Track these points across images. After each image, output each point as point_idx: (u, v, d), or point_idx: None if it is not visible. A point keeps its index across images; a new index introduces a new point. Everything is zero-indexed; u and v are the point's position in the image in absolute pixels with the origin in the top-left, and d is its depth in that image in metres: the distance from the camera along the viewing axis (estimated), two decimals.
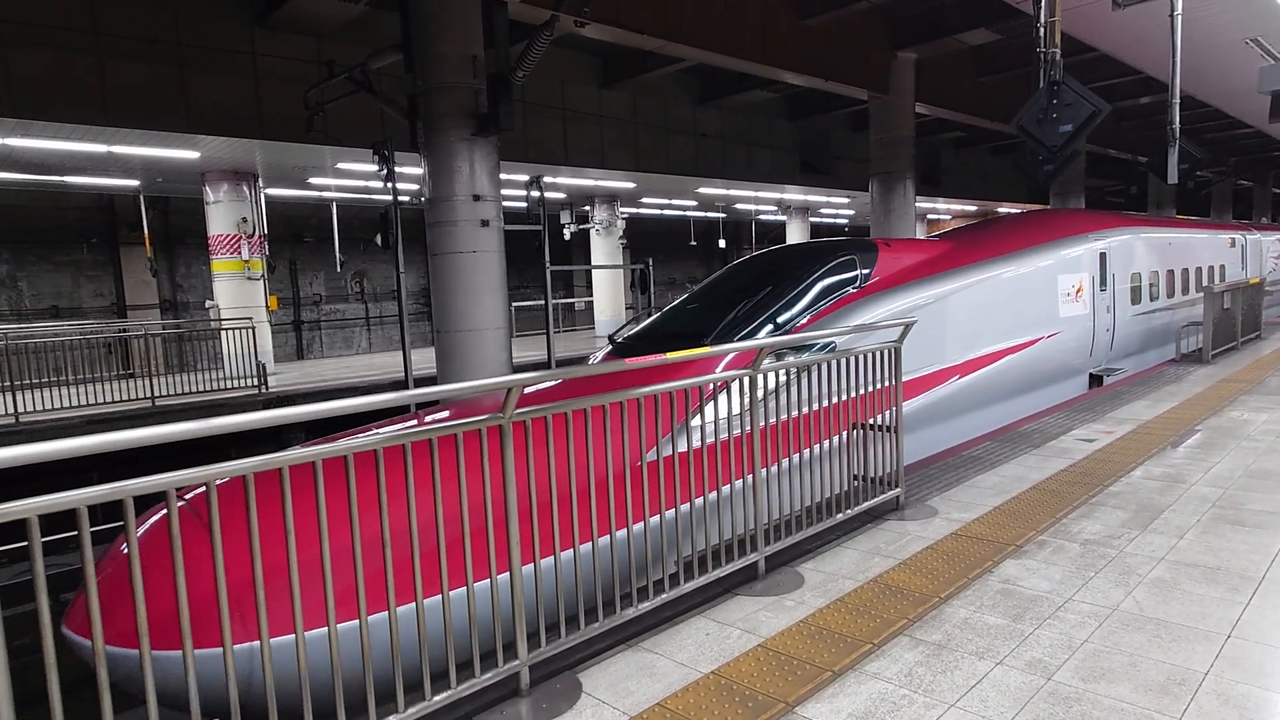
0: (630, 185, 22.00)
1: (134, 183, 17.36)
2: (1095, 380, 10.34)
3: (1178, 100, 9.45)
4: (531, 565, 3.17)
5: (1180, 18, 8.92)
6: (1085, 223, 10.71)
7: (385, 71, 11.92)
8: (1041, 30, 7.17)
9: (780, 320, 6.69)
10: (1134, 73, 17.00)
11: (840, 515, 4.64)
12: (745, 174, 21.77)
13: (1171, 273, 13.09)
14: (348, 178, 17.64)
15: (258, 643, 2.42)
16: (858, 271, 7.41)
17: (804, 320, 6.70)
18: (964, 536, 4.59)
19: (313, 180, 18.26)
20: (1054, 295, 9.32)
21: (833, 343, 5.91)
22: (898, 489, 5.09)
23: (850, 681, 3.07)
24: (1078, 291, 9.67)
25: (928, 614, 3.62)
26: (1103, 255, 10.34)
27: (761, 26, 14.15)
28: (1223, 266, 16.13)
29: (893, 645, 3.35)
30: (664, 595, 3.60)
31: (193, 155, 14.31)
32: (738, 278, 7.73)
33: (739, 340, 6.35)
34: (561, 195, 23.36)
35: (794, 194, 26.67)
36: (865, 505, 4.82)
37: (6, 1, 10.50)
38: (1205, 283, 14.54)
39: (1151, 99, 20.20)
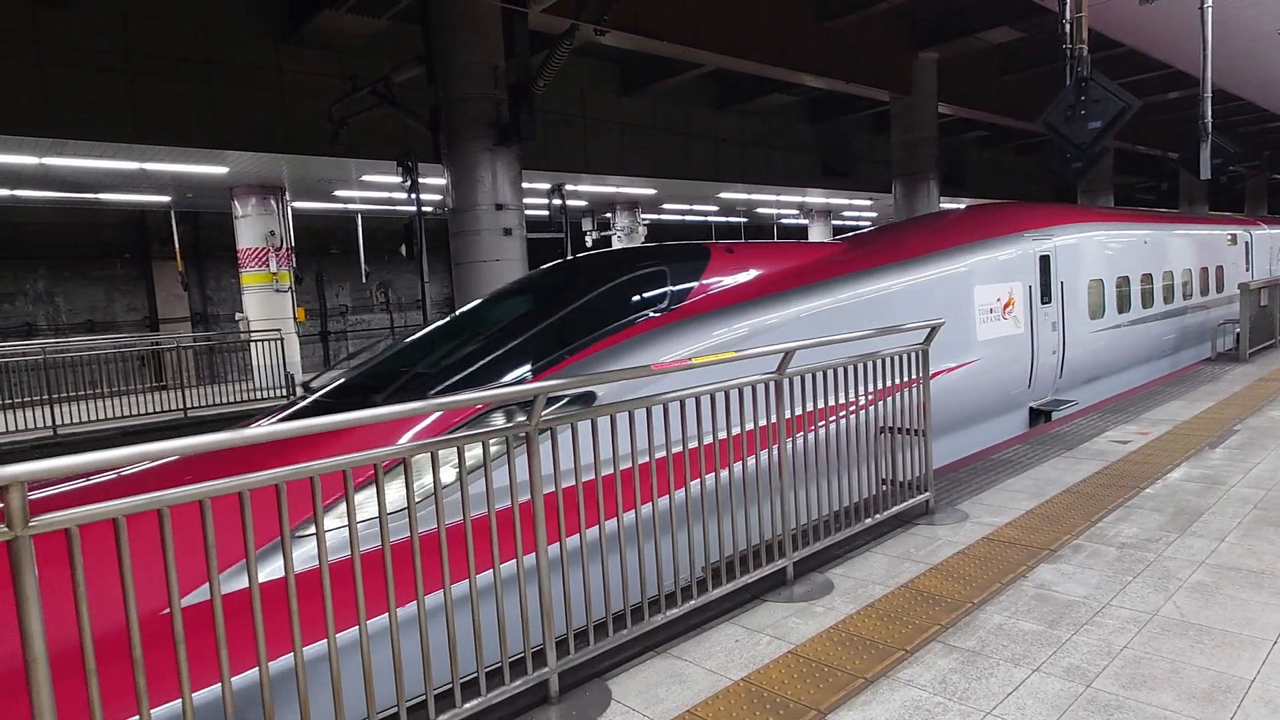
0: (651, 192, 22.03)
1: (165, 199, 17.74)
2: (1039, 416, 8.51)
3: (1209, 94, 9.28)
4: (559, 572, 3.17)
5: (1210, 10, 8.76)
6: (1019, 219, 8.78)
7: (408, 84, 12.08)
8: (1067, 26, 7.08)
9: (521, 360, 5.08)
10: (1163, 67, 16.71)
11: (869, 520, 4.58)
12: (766, 178, 21.71)
13: (1149, 278, 11.11)
14: (372, 189, 17.87)
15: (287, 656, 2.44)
16: (667, 289, 5.82)
17: (563, 358, 5.04)
18: (996, 541, 4.51)
19: (338, 193, 18.53)
20: (967, 312, 7.52)
21: (591, 393, 4.51)
22: (927, 493, 5.02)
23: (883, 689, 3.03)
24: (1006, 306, 7.89)
25: (961, 620, 3.56)
26: (1044, 259, 8.58)
27: (780, 30, 14.12)
28: (1220, 268, 14.04)
29: (925, 652, 3.30)
30: (692, 602, 3.58)
31: (221, 171, 14.59)
32: (503, 300, 6.20)
33: (459, 389, 4.78)
34: (583, 203, 23.45)
35: (816, 197, 26.54)
36: (894, 510, 4.76)
37: (44, 26, 10.80)
38: (1198, 288, 12.87)
39: (1182, 93, 19.84)
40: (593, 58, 16.71)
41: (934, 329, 4.96)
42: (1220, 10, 9.45)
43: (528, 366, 5.02)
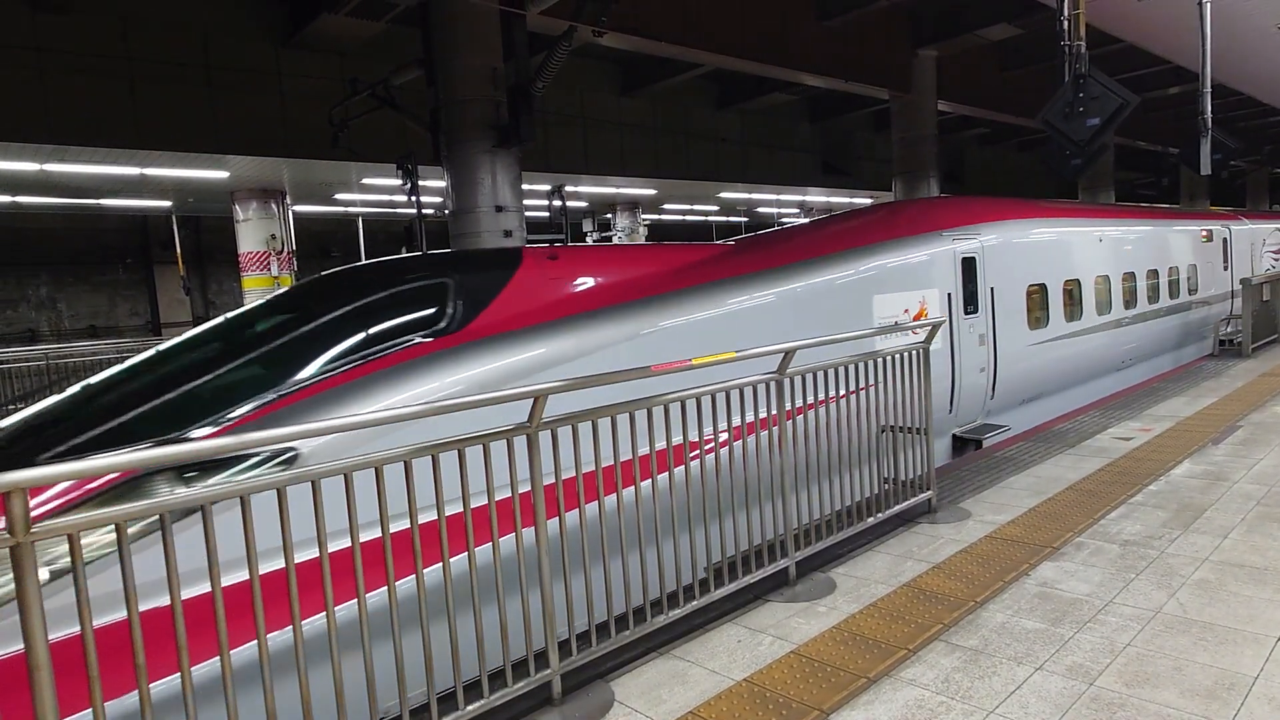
0: (652, 192, 22.04)
1: (166, 204, 17.78)
2: (965, 444, 7.53)
3: (1209, 89, 9.26)
4: (561, 574, 3.17)
5: (1209, 5, 8.74)
6: (935, 216, 7.76)
7: (407, 87, 12.09)
8: (1065, 23, 7.07)
9: (201, 406, 3.86)
10: (1162, 63, 16.68)
11: (871, 519, 4.58)
12: (766, 177, 21.72)
13: (1105, 281, 9.95)
14: (372, 192, 17.90)
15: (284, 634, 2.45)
16: (449, 306, 4.67)
17: (268, 404, 3.81)
18: (999, 539, 4.51)
19: (339, 196, 18.56)
20: (862, 326, 6.26)
21: (292, 450, 3.52)
22: (929, 492, 5.02)
23: (886, 688, 3.03)
24: (917, 318, 6.96)
25: (963, 619, 3.56)
26: (968, 261, 7.57)
27: (780, 29, 14.12)
28: (1193, 266, 12.76)
29: (928, 651, 3.29)
30: (694, 602, 3.58)
31: (222, 175, 14.62)
32: (226, 326, 4.83)
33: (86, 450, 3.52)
34: (584, 204, 23.46)
35: (816, 196, 26.54)
36: (896, 508, 4.76)
37: (44, 32, 10.83)
38: (1167, 290, 11.67)
39: (1181, 89, 19.81)
40: (592, 58, 16.72)
41: (935, 327, 4.95)
42: (1219, 5, 9.45)
43: (214, 415, 3.72)
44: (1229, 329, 14.12)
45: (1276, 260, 17.28)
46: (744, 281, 5.98)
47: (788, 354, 3.97)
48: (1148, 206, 14.25)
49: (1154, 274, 11.43)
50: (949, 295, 7.36)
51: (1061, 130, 7.08)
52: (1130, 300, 10.63)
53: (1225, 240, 14.27)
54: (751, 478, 3.92)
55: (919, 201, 9.03)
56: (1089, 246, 9.87)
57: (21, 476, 1.89)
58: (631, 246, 7.69)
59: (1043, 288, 8.67)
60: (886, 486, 4.76)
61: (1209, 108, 9.19)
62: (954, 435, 7.57)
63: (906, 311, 6.91)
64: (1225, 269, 14.28)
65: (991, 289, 7.81)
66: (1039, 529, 4.61)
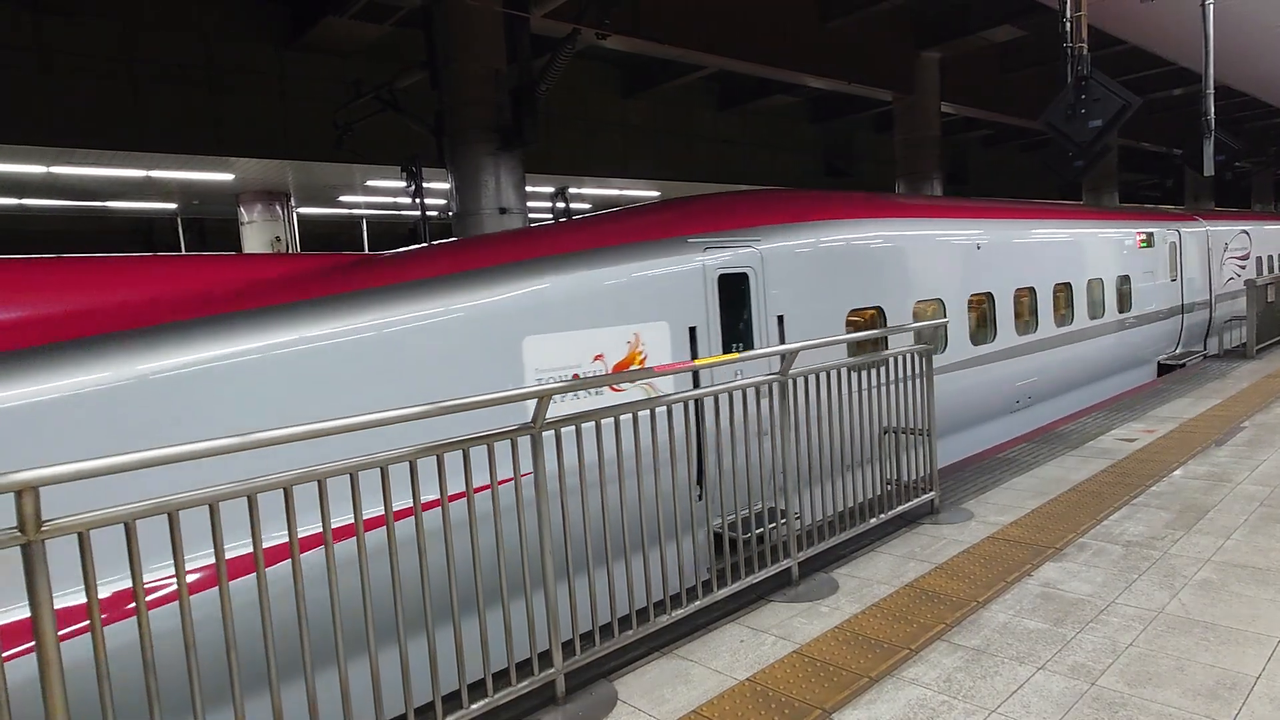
0: (655, 194, 22.07)
1: (172, 206, 17.85)
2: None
3: (1212, 90, 9.26)
4: (565, 573, 3.19)
5: (1212, 6, 8.75)
6: (681, 218, 5.90)
7: (411, 89, 12.14)
8: (1068, 25, 7.08)
9: None
10: (1165, 64, 16.67)
11: (874, 520, 4.59)
12: (769, 178, 21.73)
13: (986, 300, 8.09)
14: (377, 194, 17.95)
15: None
16: None
17: None
18: (1001, 539, 4.52)
19: (343, 198, 18.62)
20: (499, 380, 4.54)
21: None
22: (932, 493, 5.02)
23: (888, 688, 3.04)
24: (623, 366, 5.04)
25: (966, 619, 3.57)
26: (733, 280, 5.70)
27: (782, 31, 14.14)
28: (1124, 278, 10.75)
29: (930, 651, 3.30)
30: (697, 602, 3.59)
31: (227, 177, 14.68)
32: None
33: None
34: (587, 205, 23.51)
35: None
36: (899, 509, 4.77)
37: (49, 36, 10.90)
38: (1085, 309, 9.72)
39: (1185, 90, 19.79)
40: (595, 60, 16.76)
41: (940, 327, 4.95)
42: (1222, 6, 9.45)
43: None
44: (1176, 349, 12.41)
45: (1242, 268, 14.71)
46: (307, 312, 4.04)
47: (789, 355, 3.99)
48: (1058, 204, 11.52)
49: (1064, 289, 9.47)
50: (691, 329, 5.35)
51: (1063, 132, 7.09)
52: (1027, 324, 8.71)
53: (1174, 245, 12.15)
54: (755, 478, 3.93)
55: (671, 202, 6.48)
56: (961, 256, 7.97)
57: (31, 475, 1.91)
58: (179, 258, 5.44)
59: (880, 313, 6.74)
60: (889, 487, 4.78)
61: (1212, 109, 9.18)
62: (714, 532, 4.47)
63: (600, 359, 4.89)
64: (1173, 279, 12.17)
65: (779, 318, 5.86)
66: (1042, 530, 4.62)
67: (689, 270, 5.46)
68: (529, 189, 11.01)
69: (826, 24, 14.64)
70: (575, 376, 4.73)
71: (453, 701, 2.80)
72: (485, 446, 2.89)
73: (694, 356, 5.36)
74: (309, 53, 13.10)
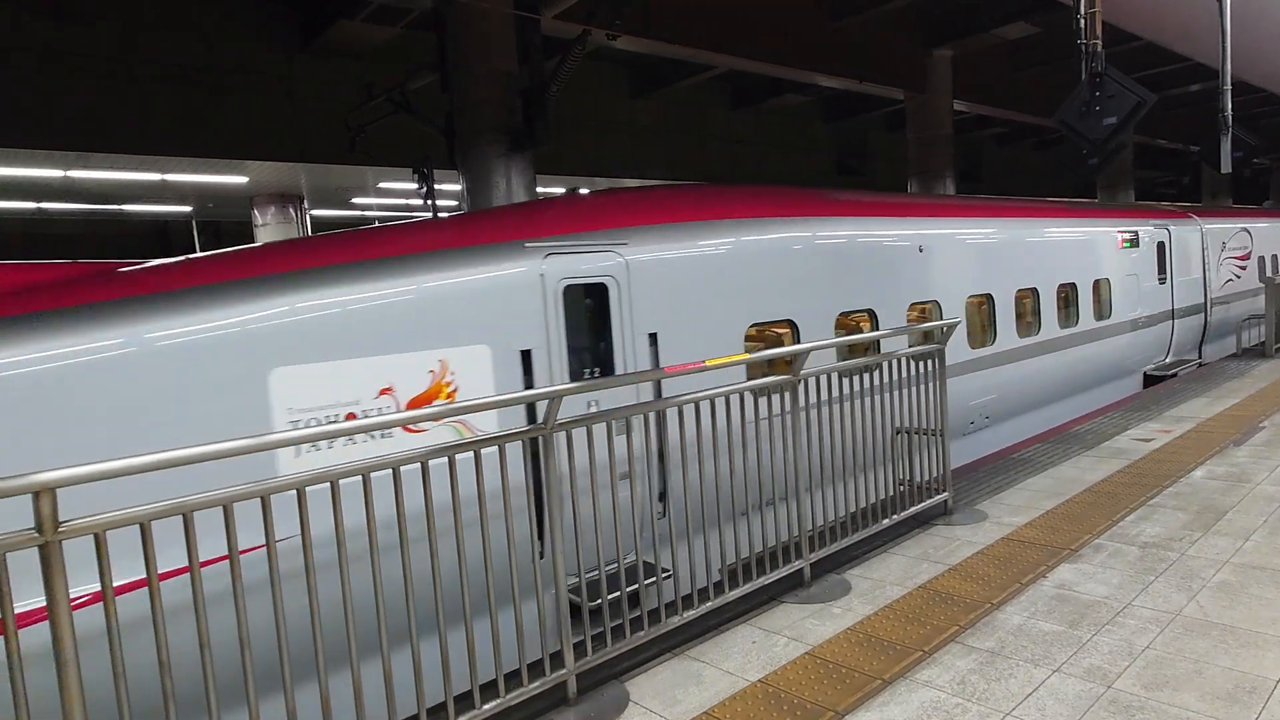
0: None
1: (187, 208, 18.03)
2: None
3: (1229, 86, 9.15)
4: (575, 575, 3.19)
5: (1229, 0, 8.65)
6: (519, 219, 5.25)
7: (423, 91, 12.19)
8: (1082, 21, 7.02)
9: None
10: (1181, 60, 16.49)
11: (886, 520, 4.57)
12: (782, 178, 21.67)
13: (935, 310, 7.29)
14: (389, 196, 18.05)
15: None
16: None
17: None
18: (1016, 541, 4.48)
19: (356, 200, 18.73)
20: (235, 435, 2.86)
21: None
22: (945, 493, 4.99)
23: (901, 690, 3.02)
24: (418, 403, 4.20)
25: (979, 620, 3.54)
26: (589, 292, 4.89)
27: (793, 30, 14.10)
28: (1103, 282, 9.76)
29: (944, 653, 3.28)
30: (709, 603, 3.59)
31: (241, 180, 14.81)
32: None
33: None
34: None
35: None
36: (912, 510, 4.74)
37: (63, 41, 11.02)
38: (1054, 317, 8.84)
39: (1201, 86, 19.57)
40: (605, 61, 16.77)
41: (952, 326, 4.93)
42: (1239, 0, 9.33)
43: None
44: (1166, 358, 11.44)
45: (1242, 269, 13.65)
46: None
47: (800, 355, 3.98)
48: (1026, 201, 10.39)
49: (1029, 295, 8.51)
50: (525, 353, 4.51)
51: (1078, 129, 7.02)
52: (984, 335, 7.91)
53: (1162, 245, 11.16)
54: (766, 480, 3.92)
55: (525, 203, 5.77)
56: (900, 260, 7.06)
57: (49, 477, 1.93)
58: None
59: (793, 329, 5.98)
60: (902, 488, 4.75)
61: (1229, 105, 9.07)
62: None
63: (388, 393, 4.04)
64: (1162, 281, 11.18)
65: (652, 336, 5.01)
66: (1057, 531, 4.58)
67: (521, 281, 4.55)
68: (540, 190, 11.02)
69: (837, 22, 14.58)
70: (351, 416, 3.90)
71: (465, 701, 2.81)
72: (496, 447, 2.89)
73: (530, 385, 4.48)
74: (321, 56, 13.18)
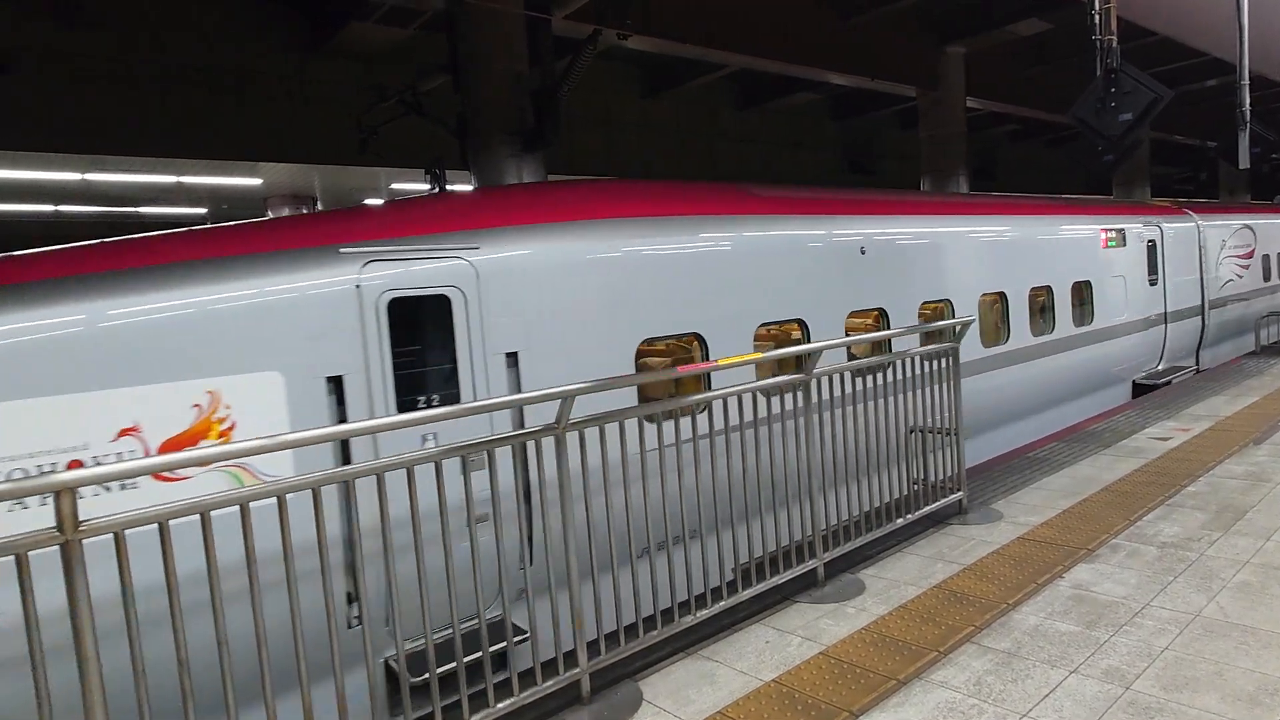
0: None
1: (202, 210, 18.20)
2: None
3: (1246, 81, 9.04)
4: (589, 573, 3.19)
5: None
6: (334, 223, 4.64)
7: (434, 92, 12.23)
8: (1096, 17, 6.95)
9: None
10: (1198, 55, 16.31)
11: (900, 520, 4.55)
12: (791, 177, 21.59)
13: (881, 319, 6.64)
14: (401, 197, 18.12)
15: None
16: None
17: None
18: (1031, 540, 4.45)
19: (368, 201, 18.83)
20: None
21: None
22: (960, 493, 4.96)
23: (916, 690, 3.01)
24: (171, 447, 3.43)
25: (995, 621, 3.52)
26: (427, 305, 4.27)
27: (803, 28, 14.05)
28: (1083, 285, 9.10)
29: (959, 653, 3.26)
30: (722, 603, 3.58)
31: (255, 182, 14.93)
32: None
33: None
34: None
35: None
36: (926, 509, 4.72)
37: (81, 45, 11.14)
38: (1027, 324, 8.17)
39: (1219, 81, 19.32)
40: (615, 61, 16.76)
41: (965, 325, 4.90)
42: None
43: None
44: (1158, 365, 10.74)
45: (1244, 268, 12.83)
46: None
47: (812, 355, 3.96)
48: (999, 197, 9.70)
49: (996, 300, 7.89)
50: (335, 380, 3.89)
51: (1093, 126, 6.96)
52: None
53: (1152, 244, 10.43)
54: (779, 479, 3.91)
55: (360, 207, 5.31)
56: (837, 264, 6.33)
57: (69, 477, 1.96)
58: None
59: (700, 344, 5.34)
60: (916, 487, 4.73)
61: (1247, 100, 8.97)
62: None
63: (132, 433, 3.36)
64: (1154, 283, 10.46)
65: (512, 355, 4.42)
66: (1073, 530, 4.54)
67: (329, 293, 3.89)
68: None
69: (848, 20, 14.52)
70: (75, 464, 3.21)
71: (479, 700, 2.82)
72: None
73: (342, 417, 3.87)
74: (332, 58, 13.25)
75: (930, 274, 7.24)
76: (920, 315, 6.99)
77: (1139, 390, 10.09)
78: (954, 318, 7.07)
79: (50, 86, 10.95)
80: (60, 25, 10.95)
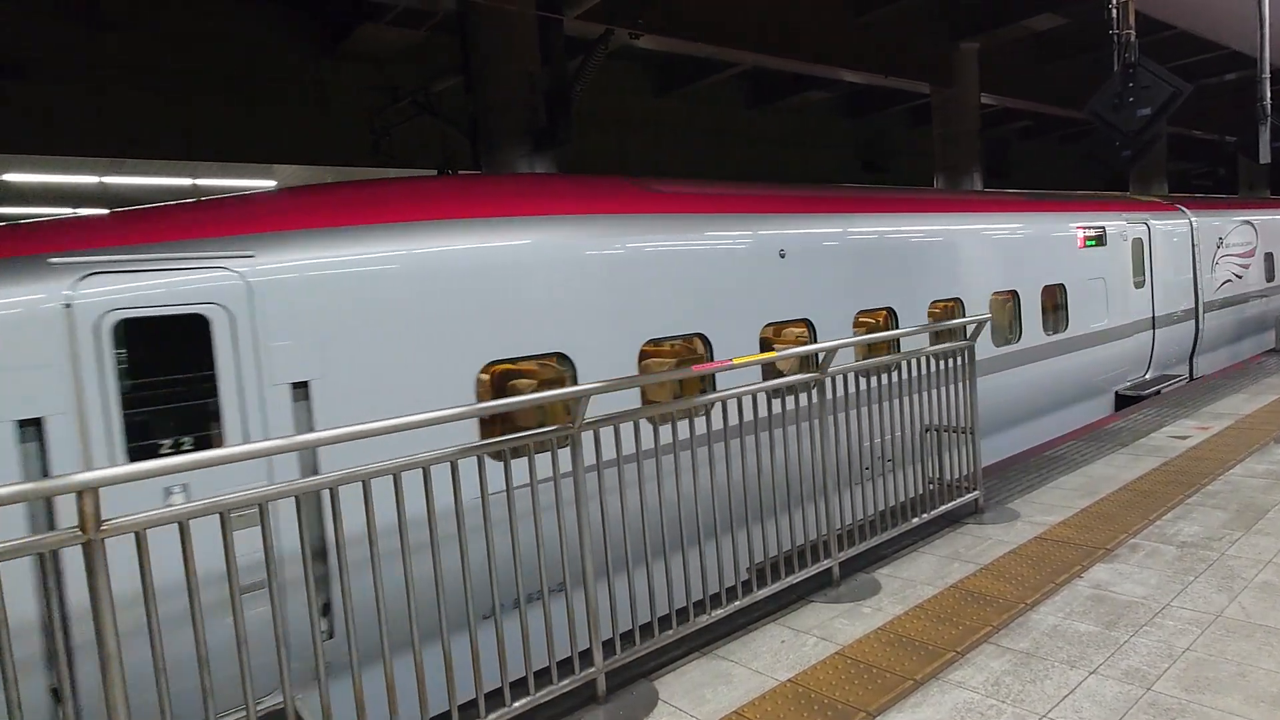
0: None
1: None
2: None
3: (1267, 75, 8.92)
4: (605, 573, 3.20)
5: None
6: (39, 231, 3.75)
7: (446, 93, 12.28)
8: (1114, 11, 6.88)
9: None
10: (1217, 48, 16.12)
11: (916, 519, 4.52)
12: (802, 175, 21.51)
13: (808, 331, 5.83)
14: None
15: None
16: None
17: None
18: (1049, 540, 4.41)
19: None
20: None
21: None
22: (976, 492, 4.93)
23: (933, 691, 2.99)
24: None
25: (1013, 621, 3.49)
26: (200, 324, 3.53)
27: (816, 26, 13.99)
28: (1057, 289, 8.34)
29: (977, 653, 3.24)
30: (737, 602, 3.57)
31: (270, 184, 15.03)
32: None
33: None
34: None
35: None
36: (942, 509, 4.69)
37: (99, 49, 11.26)
38: (993, 333, 7.35)
39: (1238, 75, 19.08)
40: (627, 60, 16.76)
41: (980, 324, 4.87)
42: None
43: None
44: (1146, 374, 9.99)
45: (1244, 267, 11.96)
46: None
47: (828, 353, 3.95)
48: (955, 193, 8.20)
49: (950, 307, 7.07)
50: (31, 422, 3.16)
51: (1110, 121, 6.89)
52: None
53: (1139, 242, 9.72)
54: (794, 478, 3.90)
55: (100, 213, 4.40)
56: (749, 270, 5.47)
57: (92, 477, 1.98)
58: None
59: (569, 365, 4.58)
60: (932, 487, 4.70)
61: (1267, 94, 8.84)
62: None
63: None
64: (1140, 285, 9.74)
65: (300, 385, 3.69)
66: (1091, 530, 4.50)
67: (20, 314, 3.16)
68: None
69: (861, 17, 14.44)
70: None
71: (495, 699, 2.83)
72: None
73: (45, 470, 3.12)
74: (345, 60, 13.33)
75: (865, 280, 6.29)
76: (856, 325, 6.18)
77: (1122, 402, 9.35)
78: (897, 328, 6.31)
79: (68, 90, 11.07)
80: (78, 29, 11.07)
